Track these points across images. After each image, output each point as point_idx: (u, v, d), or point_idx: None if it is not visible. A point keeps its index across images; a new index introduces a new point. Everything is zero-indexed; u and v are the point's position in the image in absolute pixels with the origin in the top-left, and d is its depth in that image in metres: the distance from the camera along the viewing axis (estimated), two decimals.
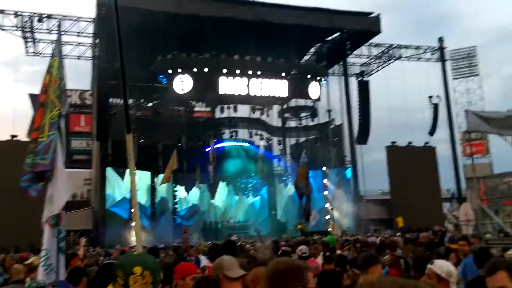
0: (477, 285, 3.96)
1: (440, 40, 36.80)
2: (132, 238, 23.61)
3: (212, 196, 30.82)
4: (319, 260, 7.39)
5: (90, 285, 4.10)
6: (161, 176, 27.66)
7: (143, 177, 26.86)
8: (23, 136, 25.40)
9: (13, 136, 25.26)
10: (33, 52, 29.45)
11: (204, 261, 7.39)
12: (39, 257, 4.84)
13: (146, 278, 2.14)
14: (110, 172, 26.67)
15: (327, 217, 30.05)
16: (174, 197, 28.88)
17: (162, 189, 27.87)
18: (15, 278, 5.94)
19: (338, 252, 7.98)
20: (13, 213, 21.46)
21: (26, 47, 29.20)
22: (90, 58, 29.51)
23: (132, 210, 3.58)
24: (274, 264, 2.14)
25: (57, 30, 25.73)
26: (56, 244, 4.69)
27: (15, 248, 12.05)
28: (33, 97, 36.90)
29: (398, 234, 17.20)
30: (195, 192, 30.22)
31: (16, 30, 27.70)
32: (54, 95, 5.02)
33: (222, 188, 31.62)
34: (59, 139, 4.89)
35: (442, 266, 3.76)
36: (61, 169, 4.85)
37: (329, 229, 24.54)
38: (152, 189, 27.49)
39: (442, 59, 36.33)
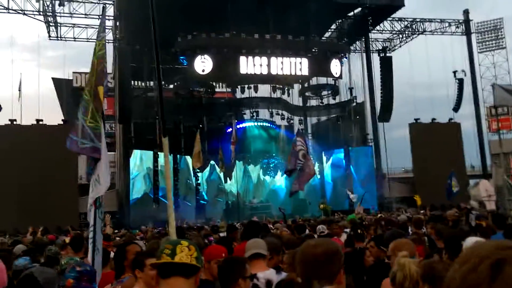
0: None
1: (466, 12, 35.77)
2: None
3: (230, 178, 30.77)
4: (342, 239, 7.38)
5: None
6: (183, 157, 27.98)
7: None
8: (47, 121, 25.87)
9: (38, 121, 25.72)
10: (56, 37, 29.73)
11: None
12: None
13: (192, 251, 2.29)
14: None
15: (351, 196, 29.94)
16: (197, 178, 29.15)
17: (184, 171, 28.21)
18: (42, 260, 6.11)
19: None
20: (40, 196, 22.02)
21: (49, 32, 29.50)
22: (111, 41, 29.66)
23: (168, 215, 3.72)
24: (324, 247, 2.11)
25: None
26: (100, 225, 4.80)
27: (43, 229, 12.37)
28: (56, 81, 37.39)
29: (422, 212, 17.03)
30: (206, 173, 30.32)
31: (39, 14, 27.99)
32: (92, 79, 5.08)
33: (239, 170, 31.48)
34: (102, 122, 4.95)
35: (468, 242, 3.74)
36: (105, 152, 4.93)
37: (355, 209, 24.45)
38: (175, 171, 27.75)
39: (467, 32, 35.37)
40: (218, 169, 29.97)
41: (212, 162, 29.85)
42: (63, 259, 4.42)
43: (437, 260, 3.02)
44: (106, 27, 29.94)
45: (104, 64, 5.11)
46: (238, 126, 30.48)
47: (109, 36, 29.94)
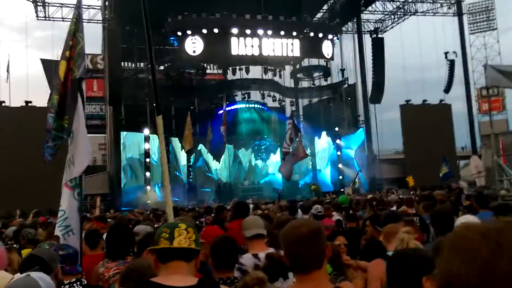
0: None
1: None
2: (148, 201, 23.97)
3: (218, 161, 30.55)
4: (334, 219, 7.42)
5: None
6: (170, 139, 27.65)
7: (156, 141, 27.03)
8: (37, 102, 25.56)
9: (27, 102, 25.41)
10: (44, 17, 29.19)
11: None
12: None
13: (190, 234, 2.23)
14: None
15: (340, 177, 30.14)
16: (188, 160, 29.07)
17: (177, 153, 28.09)
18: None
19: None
20: (31, 178, 21.87)
21: (37, 12, 28.95)
22: (101, 21, 29.20)
23: (165, 196, 3.75)
24: (308, 226, 2.17)
25: None
26: (76, 206, 4.73)
27: (35, 212, 12.30)
28: (45, 62, 36.84)
29: (412, 192, 17.18)
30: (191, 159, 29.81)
31: None
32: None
33: (229, 155, 31.14)
34: (81, 102, 4.84)
35: (462, 219, 3.79)
36: (83, 132, 4.83)
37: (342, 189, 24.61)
38: (167, 153, 27.63)
39: (459, 13, 35.23)
40: (204, 153, 29.61)
41: (199, 146, 29.30)
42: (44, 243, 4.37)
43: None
44: (95, 7, 29.51)
45: (70, 41, 4.98)
46: (229, 108, 30.30)
47: (98, 16, 29.51)
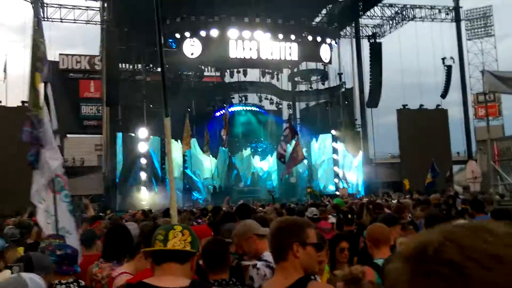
0: None
1: None
2: (143, 202, 23.90)
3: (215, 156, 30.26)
4: (330, 222, 7.42)
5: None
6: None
7: (154, 142, 26.99)
8: None
9: (23, 102, 25.33)
10: (42, 17, 29.10)
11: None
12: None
13: (186, 236, 2.23)
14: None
15: (336, 180, 30.11)
16: (185, 161, 28.97)
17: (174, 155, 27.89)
18: (29, 241, 6.12)
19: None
20: (27, 178, 21.78)
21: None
22: (99, 23, 29.19)
23: (170, 191, 3.82)
24: (276, 223, 2.39)
25: None
26: (66, 207, 4.77)
27: (30, 212, 12.26)
28: None
29: (408, 196, 17.18)
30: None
31: None
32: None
33: (223, 162, 30.79)
34: (46, 106, 4.89)
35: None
36: (49, 137, 4.85)
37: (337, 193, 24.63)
38: (162, 154, 27.58)
39: (457, 19, 35.37)
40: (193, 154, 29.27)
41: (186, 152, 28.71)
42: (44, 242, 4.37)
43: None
44: (94, 9, 29.51)
45: (39, 53, 5.04)
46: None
47: (97, 17, 29.49)
